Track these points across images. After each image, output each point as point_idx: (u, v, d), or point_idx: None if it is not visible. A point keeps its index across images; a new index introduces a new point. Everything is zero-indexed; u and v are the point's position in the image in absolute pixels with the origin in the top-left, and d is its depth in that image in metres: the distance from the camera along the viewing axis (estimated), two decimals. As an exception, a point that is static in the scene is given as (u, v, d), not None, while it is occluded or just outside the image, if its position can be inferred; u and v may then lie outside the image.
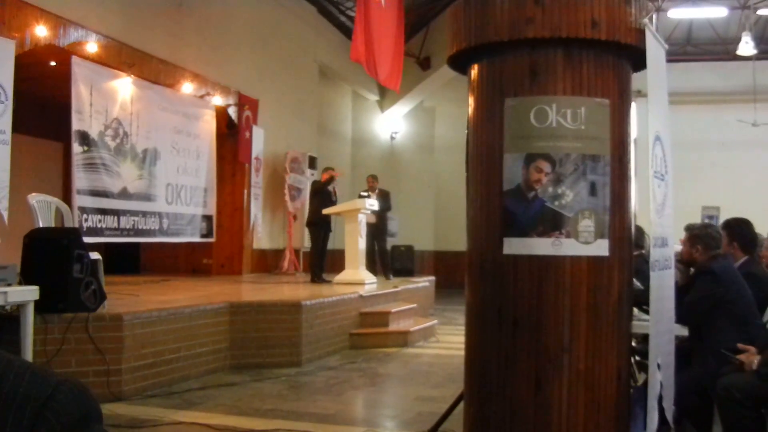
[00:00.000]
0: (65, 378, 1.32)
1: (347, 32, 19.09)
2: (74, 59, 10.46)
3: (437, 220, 23.87)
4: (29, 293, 6.60)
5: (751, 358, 4.90)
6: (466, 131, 4.90)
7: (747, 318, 5.39)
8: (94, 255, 7.89)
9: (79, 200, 10.54)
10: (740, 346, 5.03)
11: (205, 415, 6.84)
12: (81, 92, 10.58)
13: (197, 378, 8.34)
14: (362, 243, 13.47)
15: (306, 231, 14.94)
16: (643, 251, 7.40)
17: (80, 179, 10.61)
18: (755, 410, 4.76)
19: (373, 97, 23.70)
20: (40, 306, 6.78)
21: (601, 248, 4.44)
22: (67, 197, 10.95)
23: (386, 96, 23.31)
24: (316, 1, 19.07)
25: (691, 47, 23.62)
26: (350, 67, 17.22)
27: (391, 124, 24.34)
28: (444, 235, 23.23)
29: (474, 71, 4.83)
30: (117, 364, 7.29)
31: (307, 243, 16.55)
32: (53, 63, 11.47)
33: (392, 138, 24.44)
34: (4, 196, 8.76)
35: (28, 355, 6.60)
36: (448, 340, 11.85)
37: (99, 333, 7.24)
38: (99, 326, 7.27)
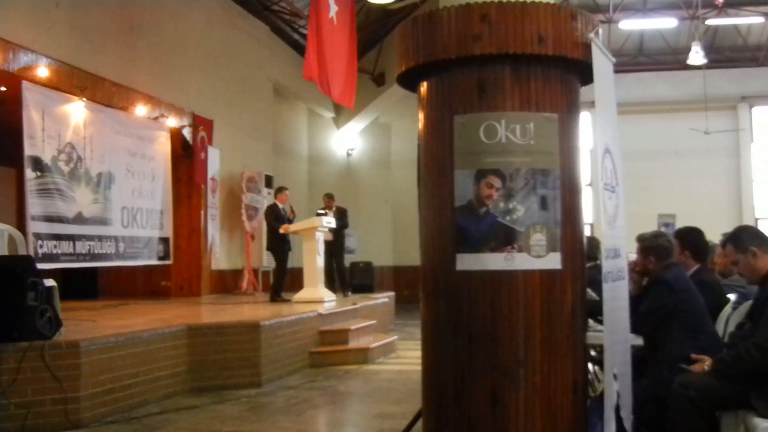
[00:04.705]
0: None
1: (301, 50, 19.07)
2: (24, 84, 10.34)
3: (395, 235, 23.88)
4: (-18, 323, 6.51)
5: (703, 365, 4.95)
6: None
7: (699, 326, 5.43)
8: (49, 282, 7.80)
9: (34, 226, 10.41)
10: (694, 356, 5.08)
11: (165, 439, 6.80)
12: (33, 117, 10.47)
13: (157, 402, 8.26)
14: (320, 261, 13.47)
15: (265, 252, 14.96)
16: (598, 262, 7.45)
17: (34, 205, 10.49)
18: (708, 411, 4.80)
19: (329, 114, 23.69)
20: (-7, 335, 6.69)
21: (553, 261, 4.49)
22: (21, 223, 10.82)
23: (341, 113, 23.29)
24: (269, 19, 19.07)
25: (643, 57, 23.99)
26: (305, 85, 17.19)
27: (347, 140, 24.33)
28: (403, 250, 23.19)
29: (423, 89, 4.87)
30: (75, 392, 7.19)
31: (266, 263, 16.52)
32: (3, 89, 11.34)
33: (349, 154, 24.43)
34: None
35: (-17, 386, 6.51)
36: (408, 355, 11.83)
37: (55, 361, 7.13)
38: (55, 354, 7.16)
